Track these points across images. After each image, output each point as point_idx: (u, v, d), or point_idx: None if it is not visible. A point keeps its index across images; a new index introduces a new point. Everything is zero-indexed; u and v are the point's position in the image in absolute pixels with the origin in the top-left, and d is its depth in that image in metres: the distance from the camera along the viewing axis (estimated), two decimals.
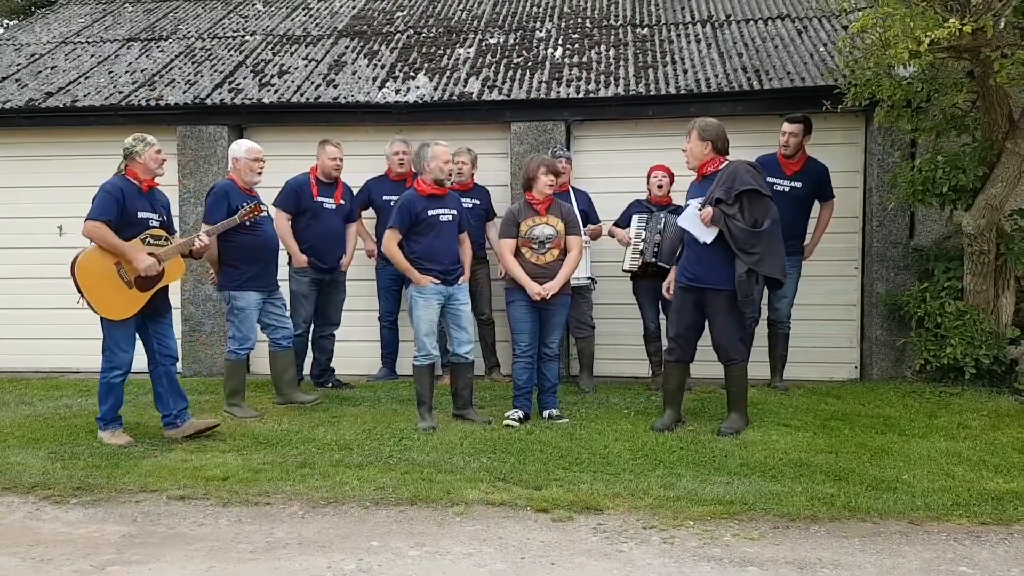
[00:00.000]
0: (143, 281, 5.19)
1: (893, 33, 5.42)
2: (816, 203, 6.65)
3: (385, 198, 6.91)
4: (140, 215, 5.22)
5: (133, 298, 5.18)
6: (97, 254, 5.16)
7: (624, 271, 6.65)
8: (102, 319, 5.22)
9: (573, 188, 6.73)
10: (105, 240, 5.11)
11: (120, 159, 5.30)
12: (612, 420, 5.72)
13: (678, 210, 6.59)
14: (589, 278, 6.58)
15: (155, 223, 5.29)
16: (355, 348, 7.35)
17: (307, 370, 6.87)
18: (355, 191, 6.96)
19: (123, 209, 5.14)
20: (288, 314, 6.29)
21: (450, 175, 5.77)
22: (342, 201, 6.70)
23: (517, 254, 5.68)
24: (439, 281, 5.61)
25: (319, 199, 6.58)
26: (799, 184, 6.47)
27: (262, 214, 5.91)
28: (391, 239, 5.65)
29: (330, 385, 6.86)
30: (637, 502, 4.20)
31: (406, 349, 7.23)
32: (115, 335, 5.24)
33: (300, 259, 6.47)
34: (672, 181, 6.63)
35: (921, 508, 4.10)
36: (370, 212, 7.13)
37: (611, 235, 6.75)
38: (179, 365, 5.80)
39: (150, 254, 5.18)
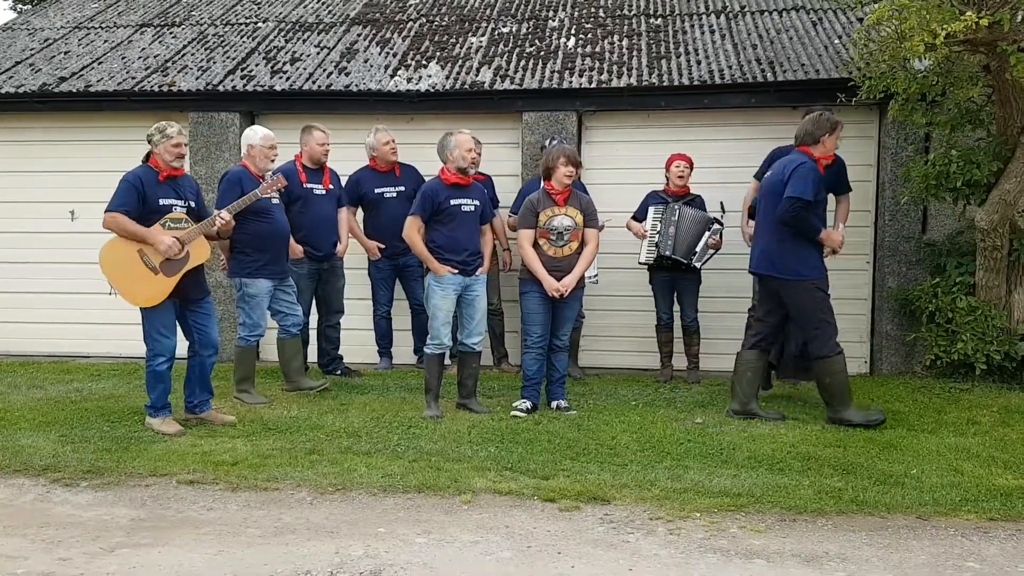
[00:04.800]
0: (169, 266, 5.19)
1: (909, 26, 5.39)
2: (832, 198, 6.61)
3: (377, 190, 6.87)
4: (162, 202, 5.20)
5: (161, 284, 5.16)
6: (119, 243, 5.17)
7: (640, 264, 6.63)
8: (141, 308, 5.22)
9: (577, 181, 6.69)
10: (123, 228, 5.12)
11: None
12: (620, 412, 5.73)
13: (694, 201, 6.59)
14: (595, 274, 6.49)
15: (179, 209, 5.27)
16: (360, 336, 7.36)
17: (312, 358, 6.86)
18: (350, 180, 6.92)
19: (143, 197, 5.14)
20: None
21: (473, 163, 5.76)
22: (331, 186, 6.64)
23: (535, 245, 5.66)
24: (457, 271, 5.62)
25: (308, 186, 6.52)
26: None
27: (285, 185, 5.92)
28: (412, 226, 5.66)
29: (338, 372, 6.87)
30: (644, 493, 4.20)
31: (401, 338, 7.26)
32: (153, 322, 5.23)
33: (296, 250, 6.39)
34: (691, 170, 6.61)
35: (929, 503, 4.09)
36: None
37: (628, 228, 6.71)
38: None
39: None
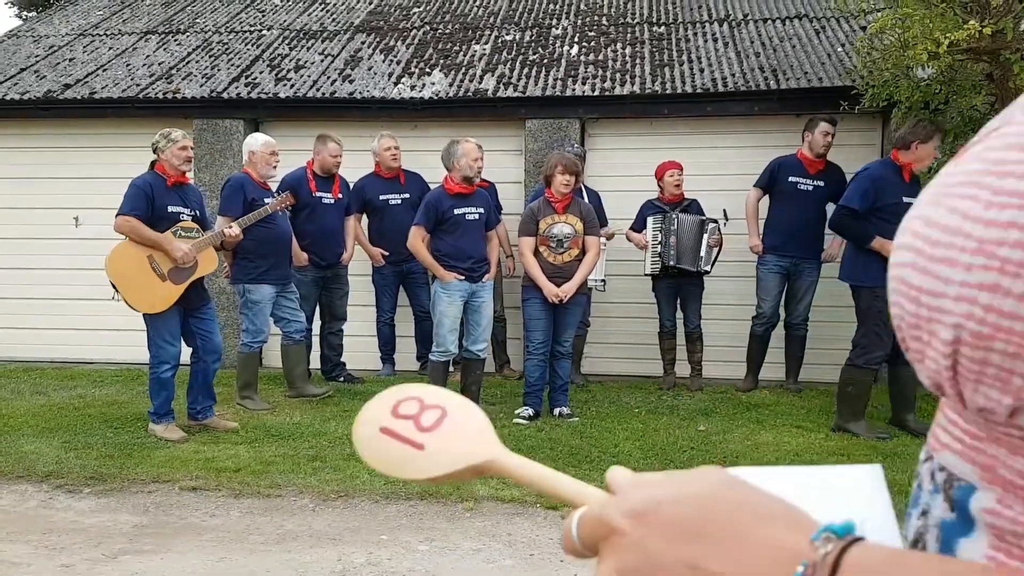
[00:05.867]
0: (177, 274, 5.19)
1: (912, 34, 5.39)
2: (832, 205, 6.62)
3: (382, 197, 6.88)
4: (170, 209, 5.22)
5: (168, 291, 5.16)
6: (129, 248, 5.15)
7: (646, 275, 6.63)
8: (145, 314, 5.22)
9: (585, 187, 6.70)
10: (137, 233, 5.11)
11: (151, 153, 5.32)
12: (623, 419, 5.72)
13: (691, 206, 6.58)
14: (602, 280, 6.53)
15: (186, 217, 5.28)
16: (363, 343, 7.36)
17: (314, 365, 6.87)
18: (355, 187, 6.93)
19: (152, 203, 5.14)
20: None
21: (479, 172, 5.78)
22: (340, 195, 6.67)
23: (535, 253, 5.68)
24: (463, 277, 5.62)
25: (317, 194, 6.54)
26: (822, 183, 6.44)
27: (294, 204, 5.94)
28: (416, 236, 5.68)
29: (341, 379, 6.87)
30: None
31: (403, 345, 7.26)
32: (159, 329, 5.22)
33: (300, 257, 6.41)
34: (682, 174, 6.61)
35: None
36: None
37: (628, 239, 6.71)
38: None
39: None
